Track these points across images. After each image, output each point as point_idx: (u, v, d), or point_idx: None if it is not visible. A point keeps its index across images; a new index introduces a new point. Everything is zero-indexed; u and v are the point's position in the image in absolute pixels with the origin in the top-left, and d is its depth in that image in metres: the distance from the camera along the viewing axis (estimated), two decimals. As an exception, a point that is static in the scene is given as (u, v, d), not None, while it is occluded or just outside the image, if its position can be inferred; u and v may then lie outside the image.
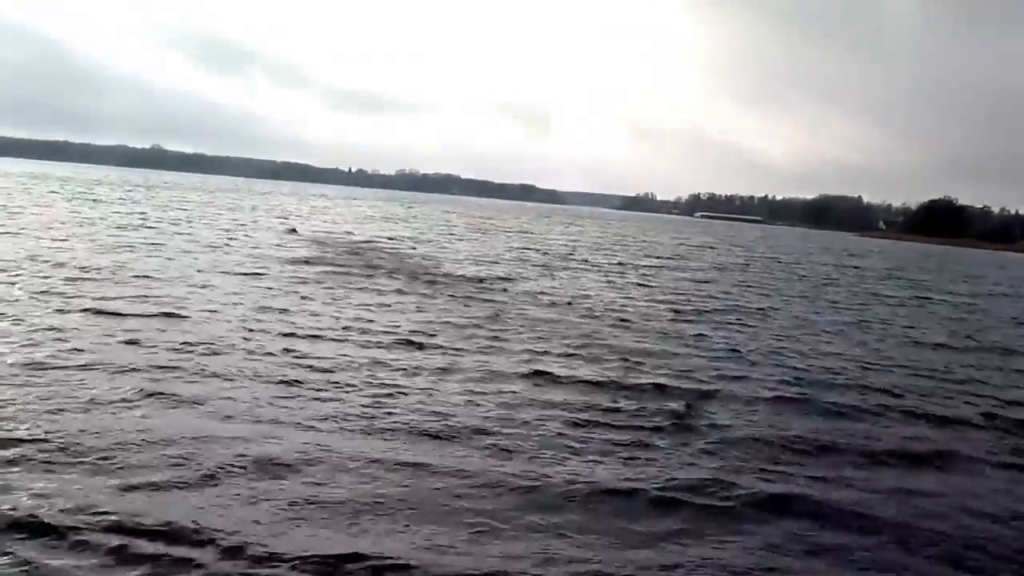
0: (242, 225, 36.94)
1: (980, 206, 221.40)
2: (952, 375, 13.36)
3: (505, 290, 19.76)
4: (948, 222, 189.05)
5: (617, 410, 9.18)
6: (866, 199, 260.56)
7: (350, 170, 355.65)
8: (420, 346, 11.90)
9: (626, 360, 12.03)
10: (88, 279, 15.70)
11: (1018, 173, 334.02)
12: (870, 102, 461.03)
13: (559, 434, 8.14)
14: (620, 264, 33.06)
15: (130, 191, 67.38)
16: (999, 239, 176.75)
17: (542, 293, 19.71)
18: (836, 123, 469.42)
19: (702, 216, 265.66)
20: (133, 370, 9.11)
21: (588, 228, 79.52)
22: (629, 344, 13.56)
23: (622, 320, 16.38)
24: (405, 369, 10.36)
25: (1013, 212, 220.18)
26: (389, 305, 15.80)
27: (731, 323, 17.40)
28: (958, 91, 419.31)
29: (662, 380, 10.74)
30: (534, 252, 35.75)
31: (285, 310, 14.00)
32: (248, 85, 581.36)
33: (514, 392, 9.65)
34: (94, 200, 47.56)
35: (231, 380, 9.11)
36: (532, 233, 56.23)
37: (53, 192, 53.87)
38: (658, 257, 41.24)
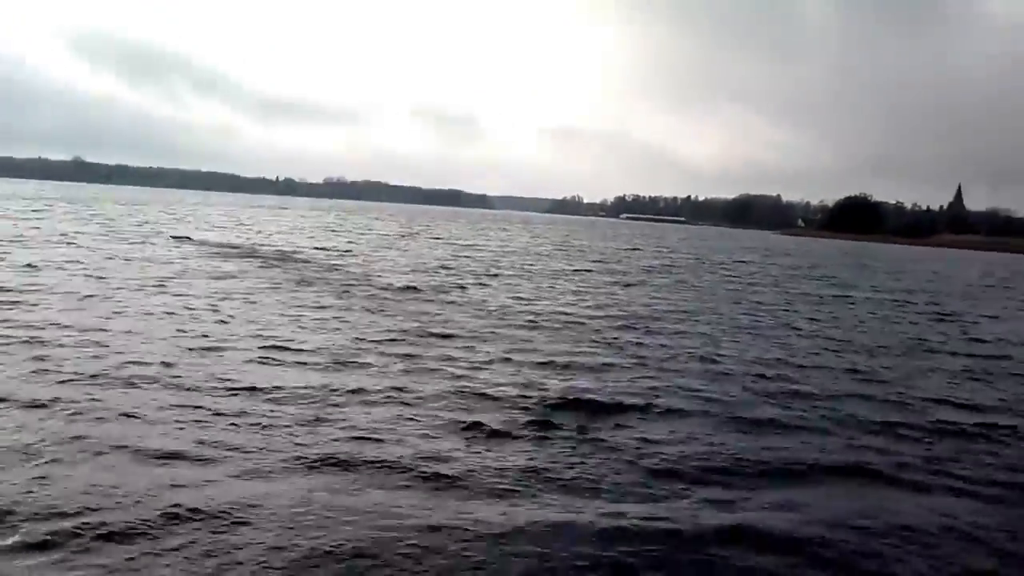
0: (169, 237, 35.67)
1: (894, 202, 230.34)
2: (877, 377, 13.58)
3: (433, 300, 19.46)
4: (864, 219, 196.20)
5: (537, 424, 9.04)
6: (785, 198, 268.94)
7: (277, 179, 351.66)
8: (346, 364, 11.55)
9: (552, 370, 11.93)
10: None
11: (929, 169, 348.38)
12: (787, 103, 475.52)
13: (487, 465, 7.91)
14: (551, 270, 33.08)
15: (47, 206, 64.46)
16: (912, 234, 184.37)
17: (468, 303, 19.47)
18: (755, 124, 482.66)
19: (628, 218, 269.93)
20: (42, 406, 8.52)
21: (517, 233, 79.71)
22: (559, 352, 13.46)
23: (552, 327, 16.26)
24: (336, 390, 10.00)
25: (925, 208, 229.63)
26: (317, 319, 15.35)
27: (662, 329, 17.44)
28: (872, 90, 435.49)
29: (582, 394, 10.60)
30: (465, 259, 35.49)
31: (205, 331, 13.41)
32: (170, 94, 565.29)
33: (436, 415, 9.35)
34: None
35: (144, 415, 8.59)
36: (462, 240, 55.94)
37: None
38: (589, 260, 41.56)
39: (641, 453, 8.36)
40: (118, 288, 17.87)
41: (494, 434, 8.64)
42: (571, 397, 10.33)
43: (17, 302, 14.99)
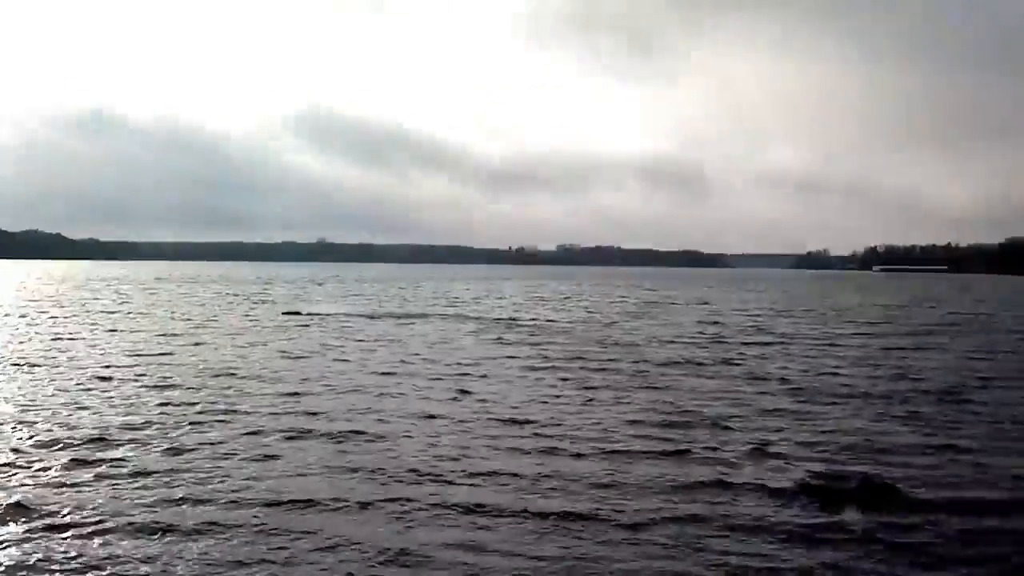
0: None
1: None
2: None
3: (718, 374, 18.73)
4: None
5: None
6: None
7: (510, 248, 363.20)
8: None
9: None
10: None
11: None
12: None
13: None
14: (826, 335, 30.85)
15: (353, 291, 70.55)
16: None
17: (752, 375, 18.52)
18: (1017, 159, 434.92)
19: (881, 270, 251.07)
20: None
21: (767, 292, 76.32)
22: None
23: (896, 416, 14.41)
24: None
25: None
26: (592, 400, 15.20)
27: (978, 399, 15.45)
28: None
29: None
30: (719, 327, 34.19)
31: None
32: (398, 173, 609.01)
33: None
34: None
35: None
36: (710, 304, 54.39)
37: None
38: (866, 322, 38.16)
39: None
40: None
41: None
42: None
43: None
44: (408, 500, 8.72)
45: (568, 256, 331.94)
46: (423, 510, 8.44)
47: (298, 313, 37.06)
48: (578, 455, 10.82)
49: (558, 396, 15.53)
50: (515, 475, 9.75)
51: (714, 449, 11.22)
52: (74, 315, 35.34)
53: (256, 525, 7.91)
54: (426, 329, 30.29)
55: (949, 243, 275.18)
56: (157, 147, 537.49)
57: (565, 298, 59.24)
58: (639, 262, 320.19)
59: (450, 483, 9.40)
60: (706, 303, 54.51)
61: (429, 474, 9.76)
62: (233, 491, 8.95)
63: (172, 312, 37.85)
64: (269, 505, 8.51)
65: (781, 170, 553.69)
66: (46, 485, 9.14)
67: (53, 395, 14.81)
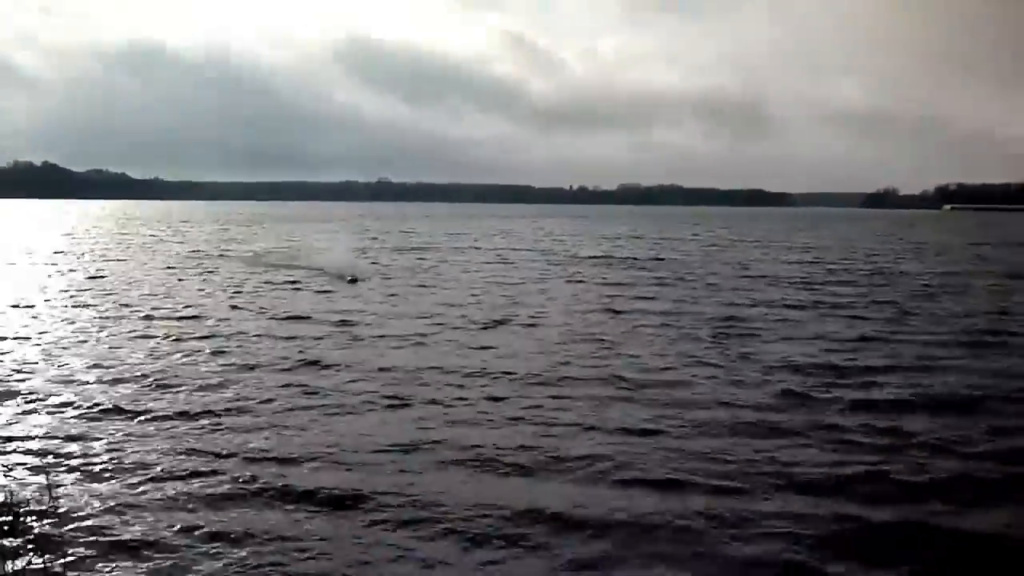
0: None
1: None
2: None
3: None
4: None
5: None
6: None
7: (571, 188, 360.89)
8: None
9: None
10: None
11: None
12: None
13: None
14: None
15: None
16: None
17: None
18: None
19: (953, 208, 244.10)
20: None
21: (863, 233, 75.58)
22: None
23: None
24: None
25: None
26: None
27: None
28: None
29: None
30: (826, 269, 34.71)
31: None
32: (453, 112, 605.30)
33: None
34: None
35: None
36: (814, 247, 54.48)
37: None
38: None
39: None
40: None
41: None
42: None
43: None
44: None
45: (630, 195, 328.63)
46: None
47: None
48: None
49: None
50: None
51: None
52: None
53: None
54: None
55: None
56: (208, 84, 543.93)
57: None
58: (700, 201, 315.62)
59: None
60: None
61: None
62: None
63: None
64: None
65: (846, 106, 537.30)
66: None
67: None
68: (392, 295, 23.09)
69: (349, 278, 26.09)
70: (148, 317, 18.42)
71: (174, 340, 15.50)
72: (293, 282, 26.01)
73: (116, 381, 12.10)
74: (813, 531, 7.06)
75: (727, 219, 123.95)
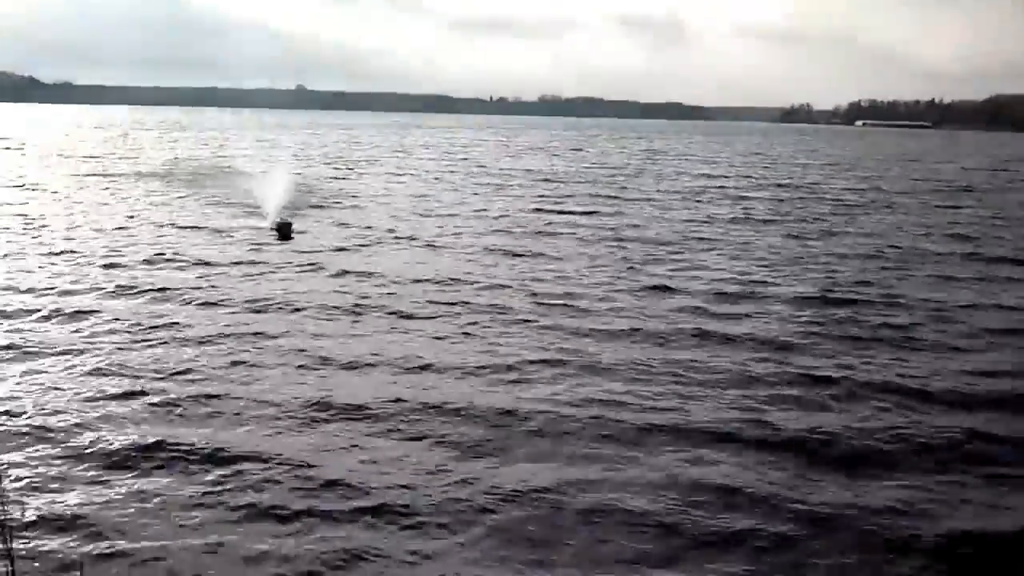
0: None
1: None
2: None
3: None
4: None
5: None
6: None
7: (491, 99, 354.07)
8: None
9: None
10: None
11: None
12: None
13: None
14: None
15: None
16: None
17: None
18: (1010, 15, 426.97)
19: (864, 125, 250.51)
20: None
21: (782, 149, 76.58)
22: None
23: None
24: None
25: None
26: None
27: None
28: None
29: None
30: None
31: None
32: (368, 17, 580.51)
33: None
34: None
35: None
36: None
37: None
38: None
39: None
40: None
41: None
42: None
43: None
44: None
45: (551, 108, 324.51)
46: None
47: None
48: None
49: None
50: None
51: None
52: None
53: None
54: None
55: (933, 99, 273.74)
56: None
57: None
58: (622, 114, 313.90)
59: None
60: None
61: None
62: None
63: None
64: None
65: (761, 20, 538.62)
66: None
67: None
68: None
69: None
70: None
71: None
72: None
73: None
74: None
75: (650, 132, 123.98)
